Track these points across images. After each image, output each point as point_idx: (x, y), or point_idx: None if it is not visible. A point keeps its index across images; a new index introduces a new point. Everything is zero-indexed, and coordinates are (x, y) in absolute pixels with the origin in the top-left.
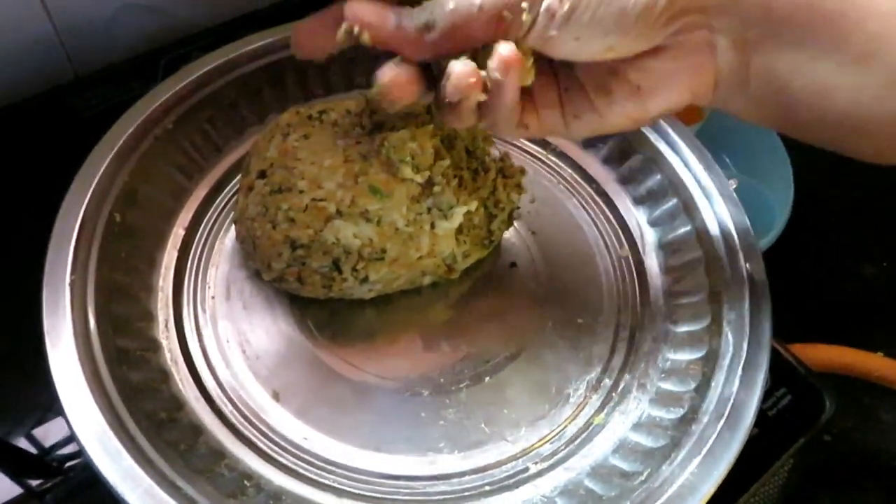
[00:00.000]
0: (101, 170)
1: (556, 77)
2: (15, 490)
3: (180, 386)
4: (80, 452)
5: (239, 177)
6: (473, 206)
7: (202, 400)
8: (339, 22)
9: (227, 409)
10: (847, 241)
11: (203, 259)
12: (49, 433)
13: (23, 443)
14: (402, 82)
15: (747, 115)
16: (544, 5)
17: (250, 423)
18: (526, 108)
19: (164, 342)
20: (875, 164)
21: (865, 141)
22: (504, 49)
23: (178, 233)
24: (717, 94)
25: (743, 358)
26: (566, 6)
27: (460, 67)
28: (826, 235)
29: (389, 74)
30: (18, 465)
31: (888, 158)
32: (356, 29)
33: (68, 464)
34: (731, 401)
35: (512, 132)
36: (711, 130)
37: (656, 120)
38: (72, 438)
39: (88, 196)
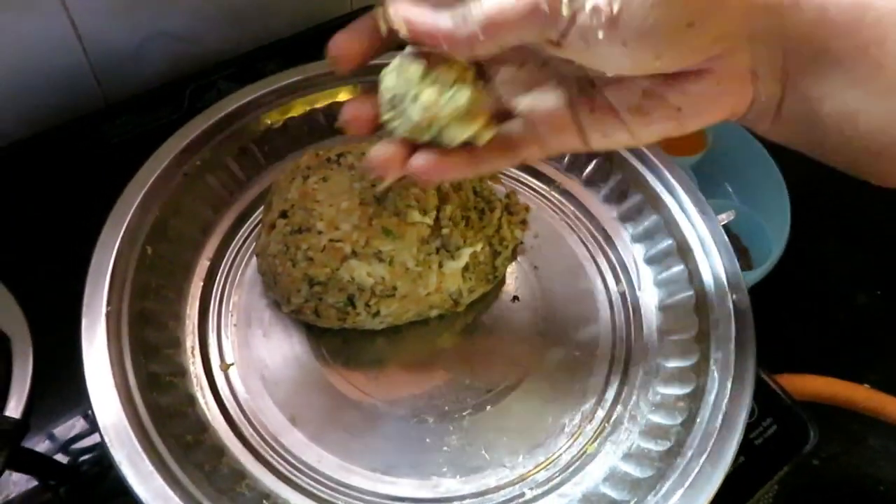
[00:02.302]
0: (134, 206)
1: (570, 102)
2: (31, 483)
3: (205, 410)
4: (97, 449)
5: (261, 209)
6: (479, 246)
7: (225, 423)
8: (374, 31)
9: (248, 431)
10: (842, 270)
11: (226, 288)
12: (66, 431)
13: (41, 438)
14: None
15: (773, 135)
16: (590, 5)
17: (269, 445)
18: (527, 140)
19: (190, 368)
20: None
21: (887, 165)
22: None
23: (203, 263)
24: (748, 115)
25: (727, 396)
26: (616, 6)
27: (374, 150)
28: (821, 264)
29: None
30: (43, 471)
31: None
32: (394, 19)
33: (82, 458)
34: (714, 437)
35: (508, 166)
36: (713, 160)
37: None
38: (86, 435)
39: (122, 231)
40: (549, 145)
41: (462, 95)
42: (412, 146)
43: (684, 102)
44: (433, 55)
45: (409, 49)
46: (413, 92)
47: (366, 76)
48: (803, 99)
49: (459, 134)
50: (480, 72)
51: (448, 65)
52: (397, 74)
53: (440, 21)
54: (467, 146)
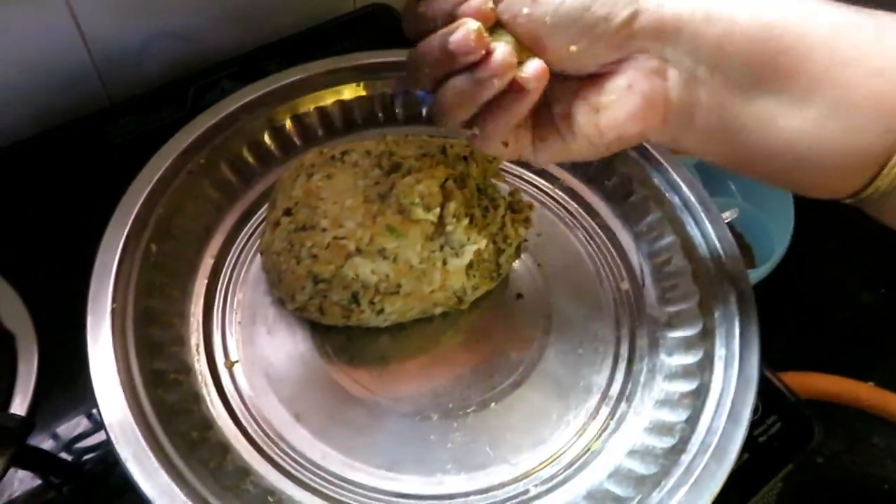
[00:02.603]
0: (139, 204)
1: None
2: (35, 482)
3: (210, 407)
4: (101, 447)
5: (265, 208)
6: (483, 243)
7: (229, 420)
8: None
9: (253, 428)
10: (846, 268)
11: (231, 286)
12: (70, 430)
13: (44, 437)
14: None
15: (699, 152)
16: None
17: (273, 442)
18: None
19: (195, 365)
20: (815, 198)
21: (808, 173)
22: (535, 64)
23: (207, 261)
24: (666, 128)
25: (731, 394)
26: None
27: (503, 48)
28: (825, 263)
29: None
30: (48, 468)
31: (828, 191)
32: None
33: (86, 457)
34: (719, 434)
35: (496, 148)
36: None
37: (612, 148)
38: (90, 434)
39: (127, 229)
40: (517, 146)
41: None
42: None
43: (600, 103)
44: None
45: None
46: None
47: (369, 74)
48: (719, 108)
49: None
50: None
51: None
52: None
53: None
54: None
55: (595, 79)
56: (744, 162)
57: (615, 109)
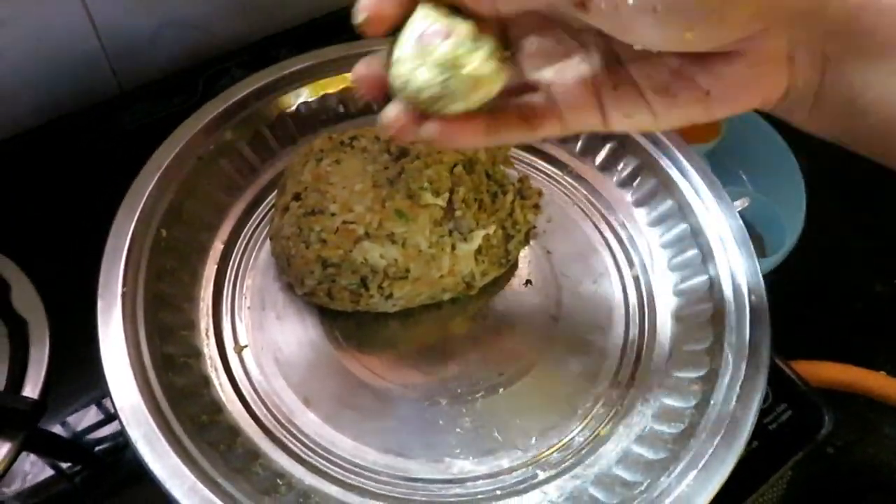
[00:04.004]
0: (149, 189)
1: (594, 77)
2: (47, 472)
3: (219, 391)
4: (110, 438)
5: (274, 194)
6: (492, 229)
7: (239, 404)
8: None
9: (262, 412)
10: (858, 258)
11: (240, 271)
12: (81, 419)
13: (53, 426)
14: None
15: (812, 127)
16: None
17: (282, 426)
18: (548, 114)
19: (205, 349)
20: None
21: None
22: (427, 129)
23: (217, 247)
24: (783, 104)
25: (741, 379)
26: None
27: (388, 111)
28: (837, 253)
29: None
30: (59, 453)
31: None
32: None
33: (97, 448)
34: (728, 419)
35: (526, 140)
36: (727, 147)
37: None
38: (101, 424)
39: (137, 214)
40: (569, 122)
41: (478, 56)
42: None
43: (714, 86)
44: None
45: (424, 6)
46: (427, 49)
47: None
48: (846, 87)
49: (472, 97)
50: (505, 44)
51: (466, 24)
52: (411, 31)
53: None
54: (483, 113)
55: (705, 58)
56: (865, 143)
57: (732, 94)
